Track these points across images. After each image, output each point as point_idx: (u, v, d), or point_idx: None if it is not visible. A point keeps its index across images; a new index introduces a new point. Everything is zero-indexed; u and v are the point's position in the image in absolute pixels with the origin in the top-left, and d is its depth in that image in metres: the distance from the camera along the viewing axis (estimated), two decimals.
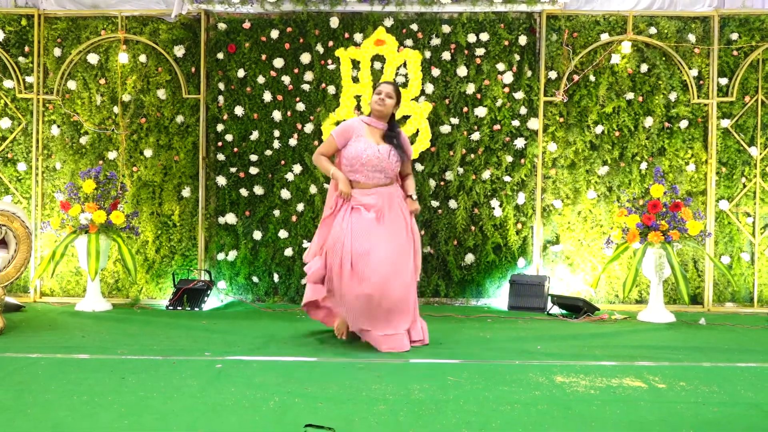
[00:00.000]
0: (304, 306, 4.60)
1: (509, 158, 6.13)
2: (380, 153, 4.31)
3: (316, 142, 6.14)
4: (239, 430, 2.67)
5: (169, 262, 6.26)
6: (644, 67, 6.09)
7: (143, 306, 5.98)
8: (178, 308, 5.81)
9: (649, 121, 6.08)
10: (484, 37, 6.10)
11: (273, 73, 6.16)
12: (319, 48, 6.15)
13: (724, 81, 6.08)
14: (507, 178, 6.13)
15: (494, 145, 6.13)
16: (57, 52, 6.23)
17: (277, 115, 6.16)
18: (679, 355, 4.15)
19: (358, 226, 4.23)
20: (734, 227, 6.12)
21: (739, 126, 6.11)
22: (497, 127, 6.11)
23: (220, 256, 6.24)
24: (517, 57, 6.12)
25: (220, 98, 6.20)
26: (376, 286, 4.07)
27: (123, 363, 3.75)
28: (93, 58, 6.21)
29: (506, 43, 6.11)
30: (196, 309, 5.79)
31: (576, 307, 5.66)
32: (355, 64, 6.14)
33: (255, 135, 6.18)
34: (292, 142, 6.17)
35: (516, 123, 6.12)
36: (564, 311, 5.81)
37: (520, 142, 6.11)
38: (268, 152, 6.19)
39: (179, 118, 6.22)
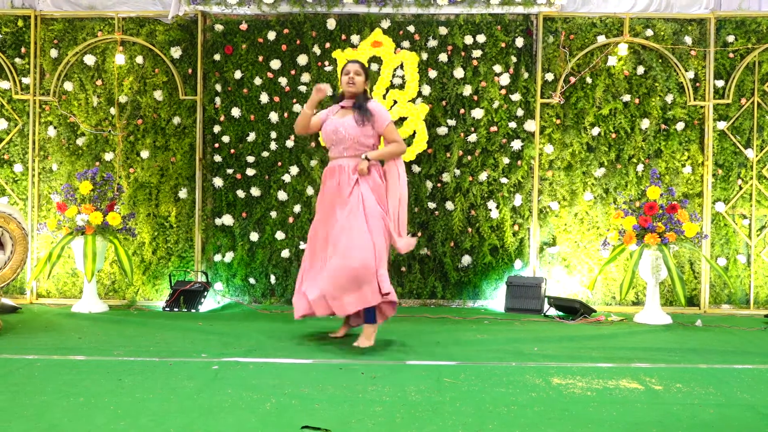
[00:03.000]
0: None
1: (506, 160, 6.13)
2: (336, 124, 4.37)
3: (312, 144, 6.14)
4: (236, 431, 2.66)
5: (166, 264, 6.25)
6: (641, 69, 6.10)
7: (140, 307, 5.97)
8: (175, 310, 5.80)
9: (645, 123, 6.09)
10: (481, 38, 6.11)
11: (270, 75, 6.16)
12: (316, 49, 6.16)
13: (720, 83, 6.10)
14: (504, 180, 6.13)
15: (491, 146, 6.14)
16: (53, 53, 6.22)
17: (274, 116, 6.16)
18: (676, 357, 4.15)
19: (320, 210, 4.45)
20: (730, 229, 6.14)
21: (735, 128, 6.13)
22: (494, 128, 6.11)
23: (217, 258, 6.23)
24: (513, 59, 6.13)
25: (217, 100, 6.20)
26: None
27: (119, 364, 3.74)
28: (90, 60, 6.21)
29: (503, 44, 6.12)
30: (193, 310, 5.79)
31: (572, 309, 5.67)
32: None
33: (252, 136, 6.18)
34: (289, 143, 6.17)
35: (513, 125, 6.13)
36: (560, 313, 5.81)
37: (516, 144, 6.12)
38: (265, 154, 6.19)
39: (176, 120, 6.21)
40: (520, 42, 6.12)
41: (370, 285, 4.09)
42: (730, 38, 6.08)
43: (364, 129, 4.34)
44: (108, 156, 6.23)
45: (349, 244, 4.13)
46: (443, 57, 6.14)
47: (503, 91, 6.12)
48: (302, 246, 6.12)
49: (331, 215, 4.32)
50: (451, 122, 6.15)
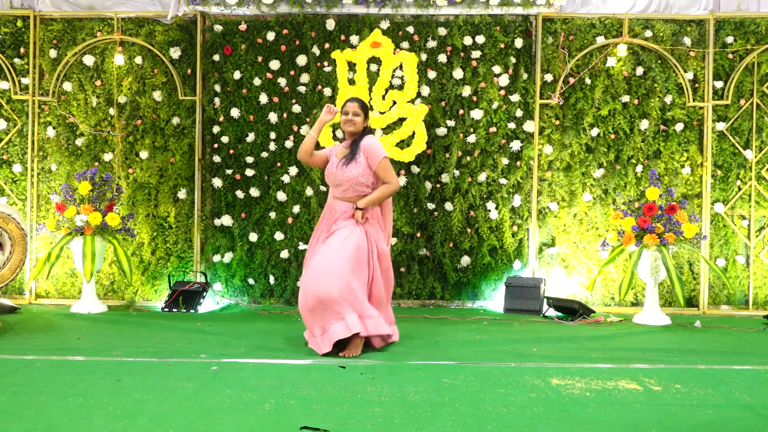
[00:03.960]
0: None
1: (505, 161, 6.13)
2: (334, 167, 4.36)
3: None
4: None
5: (165, 264, 6.25)
6: (640, 70, 6.10)
7: (139, 308, 5.97)
8: (174, 310, 5.80)
9: (644, 124, 6.10)
10: (480, 39, 6.11)
11: (269, 75, 6.16)
12: (315, 50, 6.16)
13: (719, 84, 6.10)
14: (503, 181, 6.13)
15: (490, 147, 6.14)
16: (53, 53, 6.21)
17: (273, 117, 6.16)
18: (675, 358, 4.16)
19: (312, 251, 4.40)
20: (729, 230, 6.14)
21: (734, 129, 6.13)
22: (493, 129, 6.12)
23: (216, 258, 6.23)
24: (513, 60, 6.13)
25: (216, 100, 6.20)
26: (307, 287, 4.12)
27: (118, 365, 3.74)
28: (89, 60, 6.21)
29: (502, 45, 6.12)
30: (192, 311, 5.78)
31: (572, 310, 5.67)
32: (351, 67, 6.14)
33: (251, 137, 6.18)
34: (288, 144, 6.17)
35: (512, 125, 6.13)
36: (560, 313, 5.82)
37: (516, 145, 6.12)
38: (264, 154, 6.19)
39: (175, 120, 6.21)
40: (519, 43, 6.12)
41: (337, 319, 4.00)
42: (729, 39, 6.08)
43: (359, 168, 4.28)
44: (107, 156, 6.23)
45: (322, 270, 4.07)
46: (442, 58, 6.14)
47: (502, 92, 6.12)
48: (302, 246, 6.13)
49: (318, 250, 4.29)
50: (451, 123, 6.15)
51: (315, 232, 4.47)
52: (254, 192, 6.19)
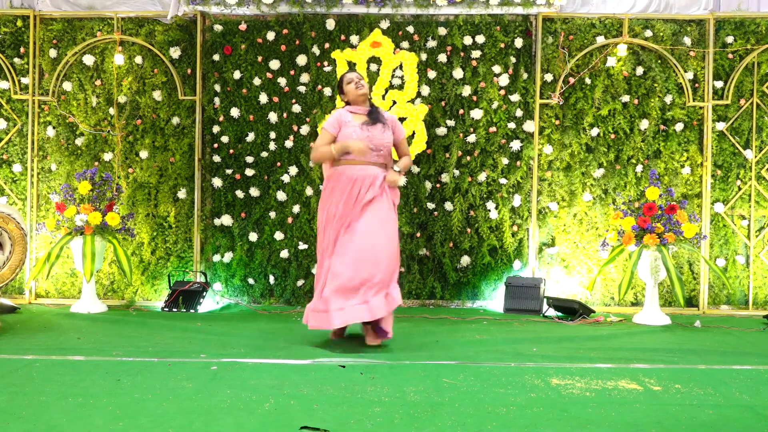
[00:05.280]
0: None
1: (505, 160, 6.13)
2: (369, 131, 4.39)
3: (312, 144, 6.14)
4: None
5: (165, 264, 6.25)
6: (640, 70, 6.10)
7: (138, 308, 5.97)
8: (174, 310, 5.80)
9: (644, 124, 6.10)
10: (480, 39, 6.10)
11: (269, 75, 6.16)
12: (315, 50, 6.16)
13: (719, 84, 6.10)
14: (503, 181, 6.13)
15: (490, 147, 6.14)
16: (52, 53, 6.21)
17: (273, 116, 6.16)
18: (675, 358, 4.15)
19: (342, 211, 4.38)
20: (729, 230, 6.14)
21: (734, 129, 6.13)
22: (493, 129, 6.12)
23: (216, 258, 6.23)
24: (513, 59, 6.13)
25: (216, 100, 6.20)
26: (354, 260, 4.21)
27: (118, 365, 3.74)
28: (89, 60, 6.21)
29: (502, 45, 6.12)
30: (192, 311, 5.78)
31: (571, 310, 5.67)
32: (351, 66, 6.14)
33: (251, 137, 6.18)
34: (288, 143, 6.17)
35: (512, 125, 6.13)
36: (559, 313, 5.81)
37: (515, 145, 6.12)
38: (264, 154, 6.19)
39: (175, 120, 6.21)
40: (519, 42, 6.12)
41: (393, 289, 4.24)
42: (729, 39, 6.08)
43: (390, 135, 4.47)
44: (107, 156, 6.23)
45: (381, 249, 4.21)
46: (442, 57, 6.14)
47: (502, 92, 6.12)
48: (302, 246, 6.13)
49: (359, 222, 4.28)
50: (450, 123, 6.15)
51: (328, 205, 4.40)
52: (254, 192, 6.19)
